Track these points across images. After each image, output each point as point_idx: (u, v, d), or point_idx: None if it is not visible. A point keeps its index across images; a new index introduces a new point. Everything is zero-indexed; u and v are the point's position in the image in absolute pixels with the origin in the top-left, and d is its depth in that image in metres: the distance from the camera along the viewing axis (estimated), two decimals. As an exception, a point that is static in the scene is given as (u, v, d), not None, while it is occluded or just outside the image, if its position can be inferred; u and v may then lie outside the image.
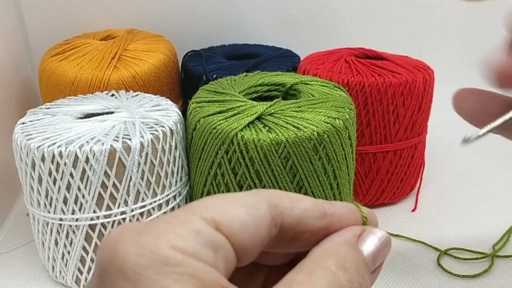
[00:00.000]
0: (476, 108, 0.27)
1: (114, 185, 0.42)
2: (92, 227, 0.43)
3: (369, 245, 0.20)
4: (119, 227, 0.16)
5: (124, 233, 0.15)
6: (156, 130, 0.44)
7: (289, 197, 0.19)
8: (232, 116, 0.44)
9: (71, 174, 0.41)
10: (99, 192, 0.42)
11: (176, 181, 0.47)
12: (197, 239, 0.16)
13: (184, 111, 0.50)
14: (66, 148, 0.41)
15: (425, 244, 0.52)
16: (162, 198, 0.45)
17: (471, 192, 0.62)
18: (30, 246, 0.53)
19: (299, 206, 0.19)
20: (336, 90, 0.49)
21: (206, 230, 0.16)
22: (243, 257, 0.18)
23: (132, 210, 0.43)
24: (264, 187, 0.43)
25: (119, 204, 0.43)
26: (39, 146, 0.41)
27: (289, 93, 0.51)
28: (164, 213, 0.46)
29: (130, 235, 0.15)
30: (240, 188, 0.44)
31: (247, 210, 0.17)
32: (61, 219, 0.43)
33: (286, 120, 0.43)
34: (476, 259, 0.49)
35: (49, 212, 0.43)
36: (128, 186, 0.42)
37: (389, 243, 0.21)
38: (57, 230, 0.44)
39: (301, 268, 0.18)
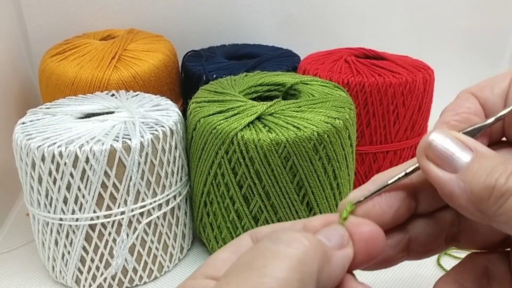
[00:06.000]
0: None
1: (114, 185, 0.42)
2: (92, 227, 0.43)
3: None
4: None
5: None
6: (156, 130, 0.44)
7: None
8: (232, 116, 0.44)
9: (71, 174, 0.41)
10: (99, 192, 0.42)
11: (176, 181, 0.47)
12: None
13: (184, 111, 0.50)
14: (66, 148, 0.41)
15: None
16: (162, 198, 0.45)
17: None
18: (30, 246, 0.53)
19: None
20: (336, 90, 0.49)
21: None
22: None
23: (132, 210, 0.43)
24: (264, 187, 0.43)
25: (119, 204, 0.43)
26: (39, 146, 0.41)
27: (289, 93, 0.51)
28: (164, 213, 0.46)
29: None
30: (240, 188, 0.44)
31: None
32: (61, 219, 0.43)
33: (286, 120, 0.43)
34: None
35: (49, 212, 0.43)
36: (128, 186, 0.42)
37: None
38: (57, 230, 0.44)
39: None
